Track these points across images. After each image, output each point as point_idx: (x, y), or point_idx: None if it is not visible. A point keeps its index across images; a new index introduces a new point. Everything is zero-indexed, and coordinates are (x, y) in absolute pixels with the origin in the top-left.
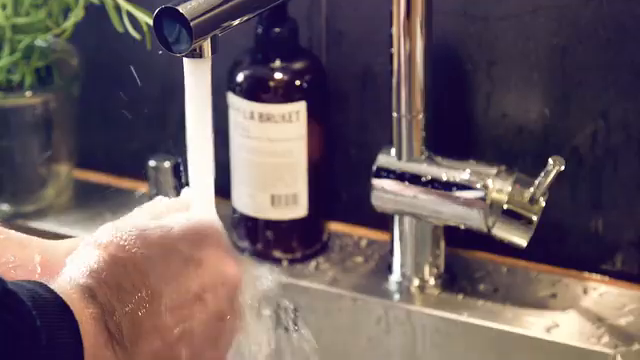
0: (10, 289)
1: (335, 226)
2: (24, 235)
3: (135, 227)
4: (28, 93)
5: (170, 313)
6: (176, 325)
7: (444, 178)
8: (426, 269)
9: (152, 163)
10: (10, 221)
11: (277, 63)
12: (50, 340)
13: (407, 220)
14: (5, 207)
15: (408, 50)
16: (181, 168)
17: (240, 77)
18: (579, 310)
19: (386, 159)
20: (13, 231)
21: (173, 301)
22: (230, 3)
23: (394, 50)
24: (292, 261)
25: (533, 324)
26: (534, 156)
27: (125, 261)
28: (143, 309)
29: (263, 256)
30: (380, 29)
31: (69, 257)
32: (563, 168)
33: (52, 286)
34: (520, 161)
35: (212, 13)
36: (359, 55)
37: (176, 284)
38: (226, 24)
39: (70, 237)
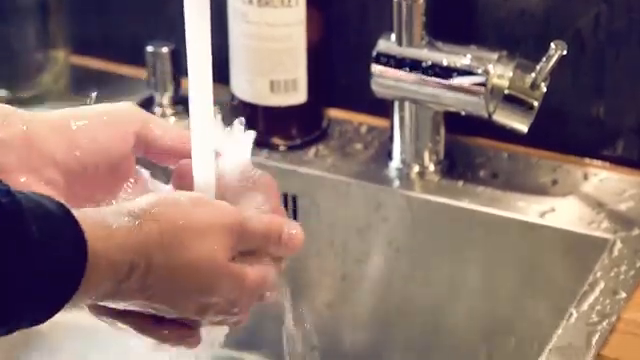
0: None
1: (335, 112)
2: (7, 105)
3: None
4: None
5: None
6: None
7: (445, 63)
8: (426, 155)
9: (150, 49)
10: None
11: None
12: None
13: (407, 106)
14: (2, 93)
15: None
16: (179, 55)
17: None
18: (579, 196)
19: (386, 44)
20: None
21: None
22: None
23: None
24: (291, 148)
25: (533, 210)
26: (536, 40)
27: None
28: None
29: (262, 143)
30: None
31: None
32: (565, 53)
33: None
34: (522, 46)
35: None
36: None
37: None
38: None
39: None
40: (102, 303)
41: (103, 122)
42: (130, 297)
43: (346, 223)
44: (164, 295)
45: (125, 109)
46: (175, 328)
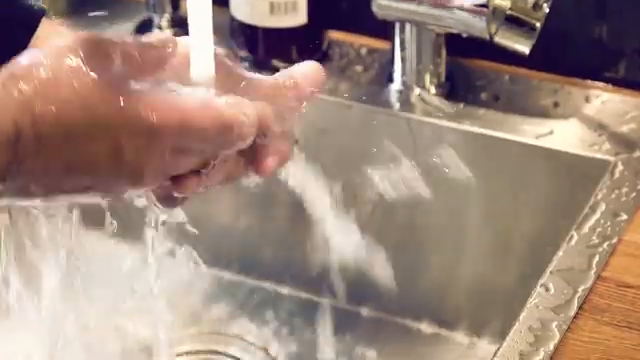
0: None
1: (335, 34)
2: None
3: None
4: None
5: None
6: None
7: None
8: (427, 78)
9: None
10: None
11: None
12: None
13: (408, 28)
14: None
15: None
16: None
17: None
18: (581, 118)
19: None
20: None
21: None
22: None
23: None
24: None
25: (534, 132)
26: None
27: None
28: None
29: (262, 65)
30: None
31: None
32: None
33: None
34: None
35: None
36: None
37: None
38: None
39: None
40: (11, 182)
41: None
42: (32, 161)
43: (346, 144)
44: (64, 154)
45: None
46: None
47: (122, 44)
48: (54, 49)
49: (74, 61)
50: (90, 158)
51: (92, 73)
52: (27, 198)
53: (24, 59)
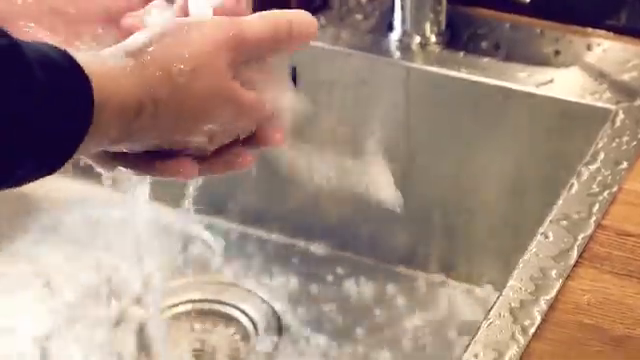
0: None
1: None
2: None
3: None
4: None
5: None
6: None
7: None
8: (427, 26)
9: None
10: None
11: None
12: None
13: None
14: None
15: None
16: None
17: None
18: (582, 66)
19: None
20: None
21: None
22: None
23: None
24: None
25: (535, 80)
26: None
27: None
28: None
29: None
30: None
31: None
32: None
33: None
34: None
35: None
36: None
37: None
38: None
39: None
40: (114, 148)
41: None
42: (141, 137)
43: (346, 94)
44: (174, 128)
45: None
46: (174, 162)
47: (264, 48)
48: (202, 39)
49: (217, 65)
50: (190, 137)
51: (231, 79)
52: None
53: (165, 36)
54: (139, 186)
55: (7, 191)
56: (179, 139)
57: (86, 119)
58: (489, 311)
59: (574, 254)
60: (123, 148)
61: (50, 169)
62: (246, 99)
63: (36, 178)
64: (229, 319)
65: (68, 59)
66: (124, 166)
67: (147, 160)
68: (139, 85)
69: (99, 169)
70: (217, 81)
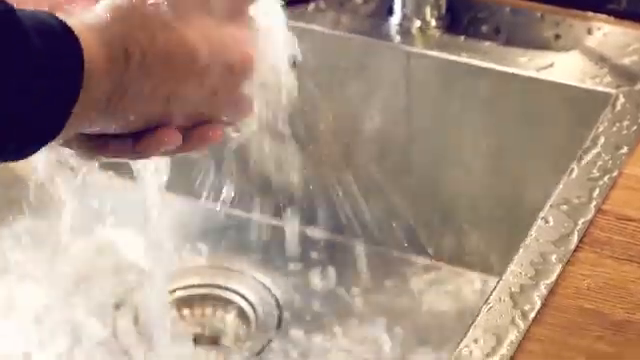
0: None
1: None
2: None
3: None
4: None
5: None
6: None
7: None
8: (427, 10)
9: None
10: None
11: None
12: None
13: None
14: None
15: None
16: None
17: None
18: (582, 50)
19: None
20: None
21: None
22: None
23: None
24: (290, 3)
25: (535, 65)
26: None
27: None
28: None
29: None
30: None
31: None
32: None
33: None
34: None
35: None
36: None
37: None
38: None
39: None
40: (111, 118)
41: None
42: (136, 92)
43: (346, 79)
44: (166, 76)
45: None
46: (157, 132)
47: None
48: None
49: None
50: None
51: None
52: (122, 126)
53: None
54: (153, 175)
55: (3, 174)
56: (176, 89)
57: (77, 79)
58: (489, 296)
59: (574, 239)
60: (119, 118)
61: (50, 135)
62: (237, 33)
63: (39, 146)
64: (229, 303)
65: (61, 25)
66: (105, 154)
67: (129, 145)
68: (121, 36)
69: (80, 158)
70: (203, 19)
